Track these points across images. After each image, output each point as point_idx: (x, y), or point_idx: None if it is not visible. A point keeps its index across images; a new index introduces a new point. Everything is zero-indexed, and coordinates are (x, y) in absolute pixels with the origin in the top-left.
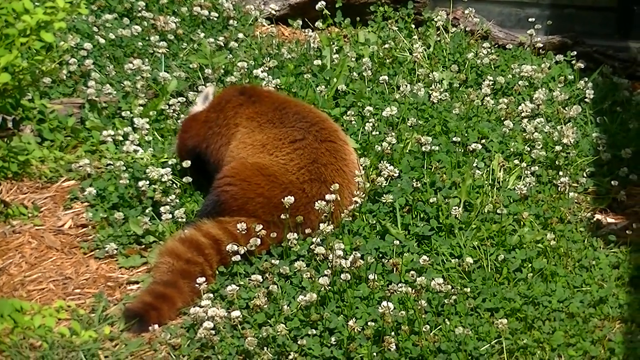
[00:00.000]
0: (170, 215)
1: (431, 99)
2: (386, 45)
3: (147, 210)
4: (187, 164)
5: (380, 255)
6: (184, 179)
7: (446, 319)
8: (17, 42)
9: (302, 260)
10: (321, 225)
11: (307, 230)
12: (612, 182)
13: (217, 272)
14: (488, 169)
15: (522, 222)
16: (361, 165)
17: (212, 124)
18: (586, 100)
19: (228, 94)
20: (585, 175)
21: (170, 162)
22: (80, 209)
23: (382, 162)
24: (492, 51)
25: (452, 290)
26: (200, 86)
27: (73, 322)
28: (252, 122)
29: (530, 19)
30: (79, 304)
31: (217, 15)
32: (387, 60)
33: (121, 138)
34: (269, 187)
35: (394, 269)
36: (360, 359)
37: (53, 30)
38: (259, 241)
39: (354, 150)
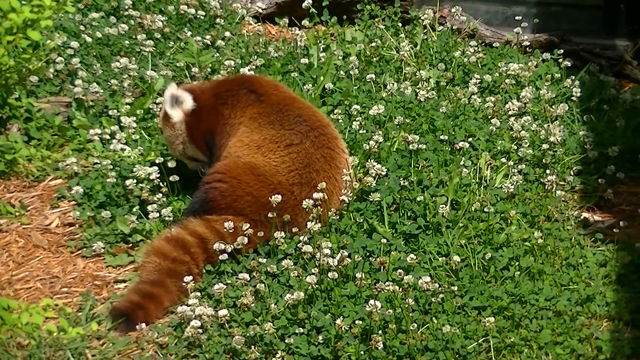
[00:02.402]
0: (158, 214)
1: (418, 98)
2: (373, 44)
3: (134, 209)
4: (172, 163)
5: (368, 253)
6: (170, 178)
7: (433, 317)
8: (4, 40)
9: (290, 259)
10: (308, 224)
11: (295, 229)
12: (599, 180)
13: (204, 271)
14: (475, 167)
15: (509, 221)
16: (351, 163)
17: (225, 121)
18: (573, 98)
19: (239, 91)
20: (572, 173)
21: (157, 161)
22: (68, 208)
23: (369, 160)
24: (479, 49)
25: (440, 288)
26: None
27: (61, 319)
28: (253, 122)
29: (517, 17)
30: (66, 302)
31: (204, 13)
32: (374, 59)
33: (108, 137)
34: (258, 187)
35: (382, 267)
36: (347, 358)
37: (40, 28)
38: (246, 240)
39: (350, 160)
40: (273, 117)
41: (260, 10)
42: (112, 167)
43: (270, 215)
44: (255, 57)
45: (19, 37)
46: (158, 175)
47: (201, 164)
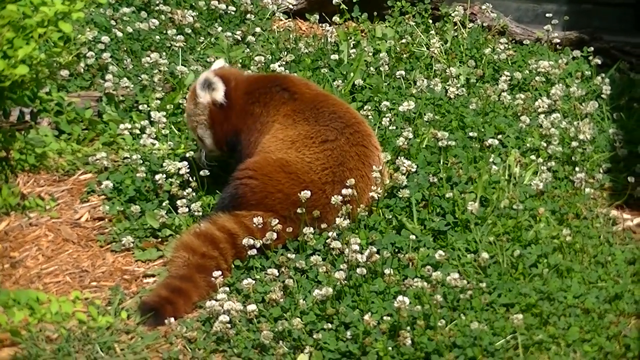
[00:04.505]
0: (187, 209)
1: (448, 94)
2: (403, 40)
3: (163, 204)
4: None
5: (396, 250)
6: (200, 172)
7: (462, 314)
8: (35, 33)
9: (318, 255)
10: (337, 220)
11: (323, 225)
12: (629, 178)
13: (232, 266)
14: (504, 164)
15: (538, 218)
16: (384, 160)
17: (256, 119)
18: (603, 96)
19: (271, 89)
20: (601, 171)
21: (187, 155)
22: (97, 202)
23: (399, 157)
24: (509, 47)
25: (468, 285)
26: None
27: (90, 308)
28: (288, 119)
29: (547, 15)
30: (96, 296)
31: (234, 9)
32: (404, 55)
33: (138, 131)
34: (290, 184)
35: (410, 263)
36: (375, 354)
37: (71, 20)
38: (275, 235)
39: (383, 158)
40: (308, 113)
41: (290, 6)
42: (142, 161)
43: (299, 210)
44: (286, 53)
45: (51, 29)
46: (188, 170)
47: (203, 149)
